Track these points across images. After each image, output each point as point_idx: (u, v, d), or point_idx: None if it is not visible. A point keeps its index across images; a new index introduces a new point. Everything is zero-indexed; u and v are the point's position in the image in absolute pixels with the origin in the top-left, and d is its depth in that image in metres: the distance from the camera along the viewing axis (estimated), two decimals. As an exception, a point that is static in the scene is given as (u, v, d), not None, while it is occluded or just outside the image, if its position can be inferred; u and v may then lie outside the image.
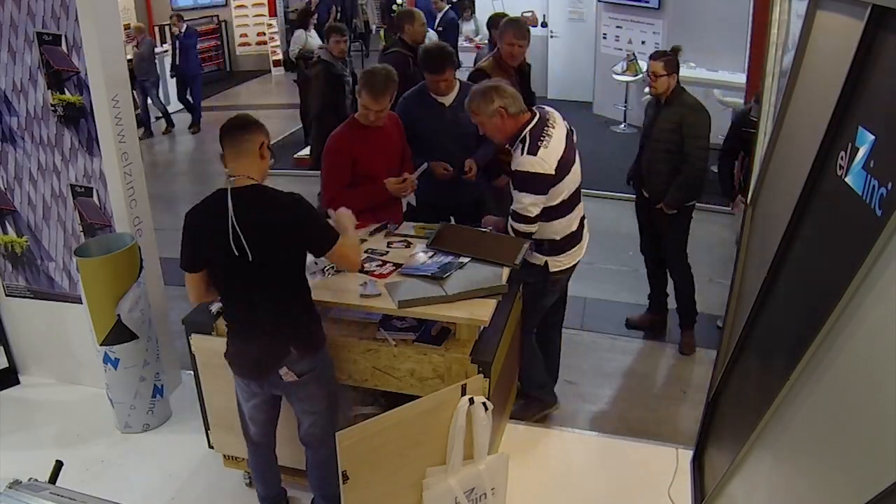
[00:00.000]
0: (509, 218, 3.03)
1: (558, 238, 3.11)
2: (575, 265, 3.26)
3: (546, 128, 2.97)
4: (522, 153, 2.91)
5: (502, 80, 3.09)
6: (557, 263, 3.16)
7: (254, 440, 2.75)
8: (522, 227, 2.99)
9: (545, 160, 2.91)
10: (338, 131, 3.34)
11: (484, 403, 2.46)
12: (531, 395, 3.54)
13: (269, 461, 2.83)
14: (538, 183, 2.92)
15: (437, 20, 8.87)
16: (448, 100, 3.58)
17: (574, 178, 3.07)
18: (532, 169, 2.90)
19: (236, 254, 2.31)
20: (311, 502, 2.92)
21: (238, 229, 2.30)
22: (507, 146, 3.11)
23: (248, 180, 2.35)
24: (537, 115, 2.99)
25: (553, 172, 2.93)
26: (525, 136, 2.94)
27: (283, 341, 2.45)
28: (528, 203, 2.93)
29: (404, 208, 3.75)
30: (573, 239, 3.17)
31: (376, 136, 3.28)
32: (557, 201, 3.01)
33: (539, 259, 3.12)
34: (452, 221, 3.73)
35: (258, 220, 2.33)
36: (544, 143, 2.92)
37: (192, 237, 2.42)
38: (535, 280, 3.17)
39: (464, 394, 2.43)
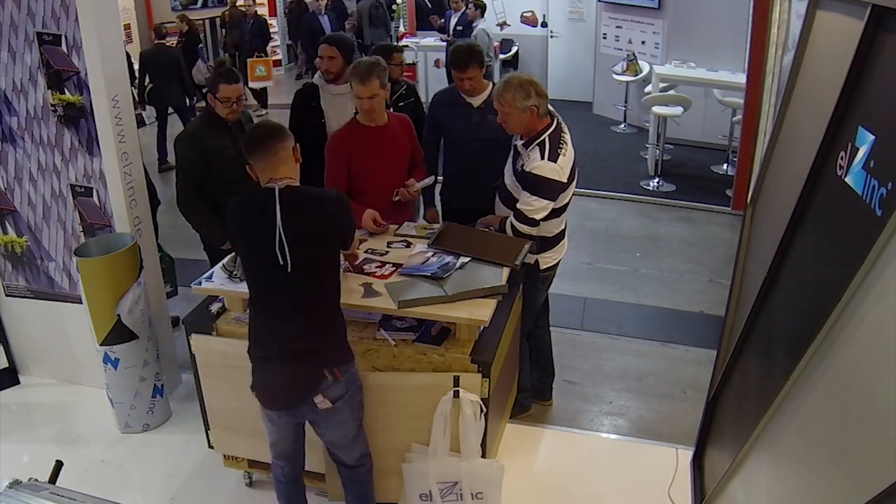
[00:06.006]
0: (511, 217, 3.03)
1: (550, 236, 3.15)
2: (559, 261, 3.29)
3: (562, 134, 2.99)
4: (542, 157, 2.91)
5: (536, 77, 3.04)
6: (546, 260, 3.21)
7: (278, 461, 2.62)
8: (525, 229, 3.00)
9: (563, 168, 2.93)
10: (337, 131, 3.33)
11: (474, 402, 2.47)
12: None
13: (294, 485, 2.67)
14: (552, 189, 2.94)
15: (455, 21, 8.67)
16: (477, 101, 3.46)
17: (574, 182, 3.10)
18: (550, 175, 2.91)
19: (280, 262, 2.24)
20: None
21: (283, 237, 2.23)
22: (520, 140, 3.04)
23: (292, 183, 2.31)
24: (555, 121, 3.00)
25: (566, 181, 2.97)
26: (544, 140, 2.94)
27: (318, 364, 2.33)
28: (539, 207, 2.94)
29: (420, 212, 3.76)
30: (561, 235, 3.23)
31: (377, 136, 3.25)
32: (561, 204, 3.05)
33: (530, 258, 3.13)
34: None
35: (306, 222, 2.27)
36: (563, 150, 2.94)
37: (235, 233, 2.37)
38: (526, 280, 3.19)
39: (456, 385, 2.45)
